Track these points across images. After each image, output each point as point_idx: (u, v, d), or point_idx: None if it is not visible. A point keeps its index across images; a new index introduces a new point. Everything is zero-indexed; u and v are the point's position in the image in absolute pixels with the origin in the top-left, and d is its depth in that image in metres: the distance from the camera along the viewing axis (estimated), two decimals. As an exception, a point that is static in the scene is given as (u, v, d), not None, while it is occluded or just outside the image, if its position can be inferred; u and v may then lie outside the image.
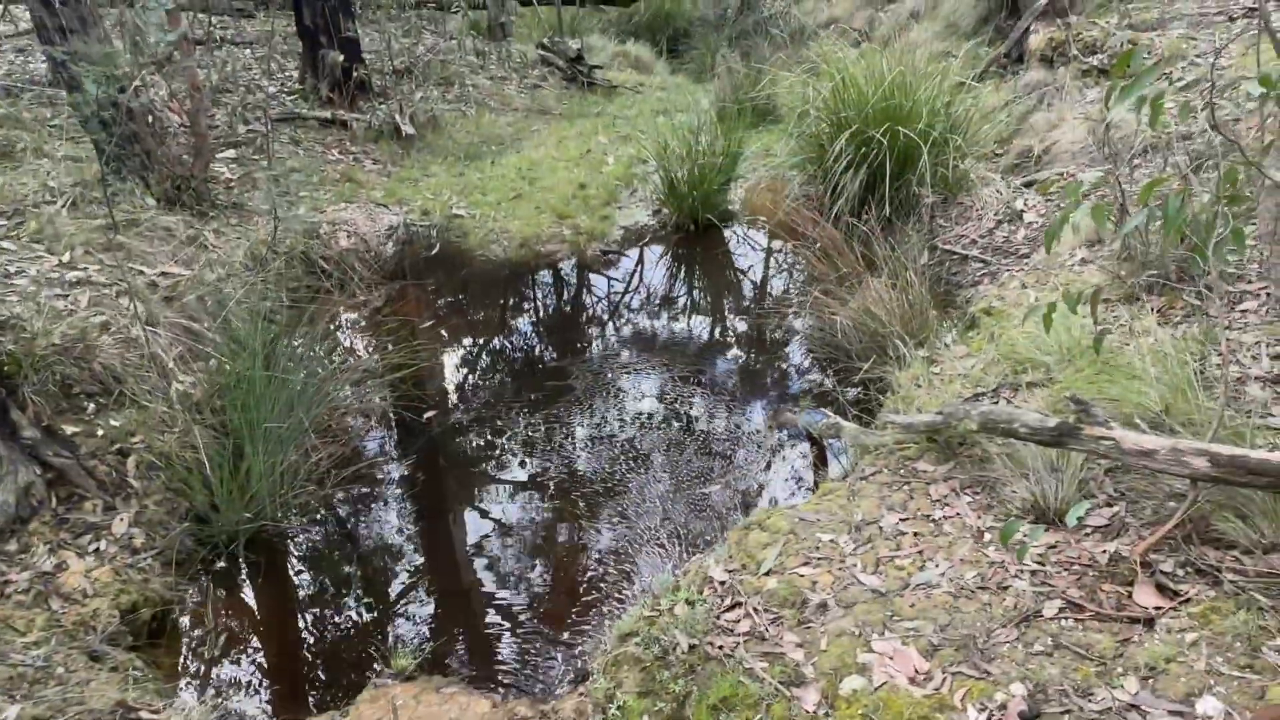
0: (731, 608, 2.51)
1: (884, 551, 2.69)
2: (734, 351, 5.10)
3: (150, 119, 5.43)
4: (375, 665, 2.91)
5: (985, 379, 3.64)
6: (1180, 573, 2.34)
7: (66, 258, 4.64)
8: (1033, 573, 2.49)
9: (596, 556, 3.47)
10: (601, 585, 3.30)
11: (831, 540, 2.78)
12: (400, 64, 9.20)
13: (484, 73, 10.16)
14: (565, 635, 3.07)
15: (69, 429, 3.56)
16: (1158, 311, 3.58)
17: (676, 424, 4.36)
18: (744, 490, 3.84)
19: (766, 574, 2.67)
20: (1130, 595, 2.29)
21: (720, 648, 2.35)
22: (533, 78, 10.43)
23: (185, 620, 3.23)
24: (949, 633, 2.29)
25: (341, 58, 7.88)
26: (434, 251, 6.36)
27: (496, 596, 3.32)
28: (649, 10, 15.03)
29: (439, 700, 2.39)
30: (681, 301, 5.83)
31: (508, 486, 3.97)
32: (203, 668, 3.05)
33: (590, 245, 6.39)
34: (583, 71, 10.49)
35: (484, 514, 3.82)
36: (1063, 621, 2.28)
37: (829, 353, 4.62)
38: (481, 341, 5.37)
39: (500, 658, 2.96)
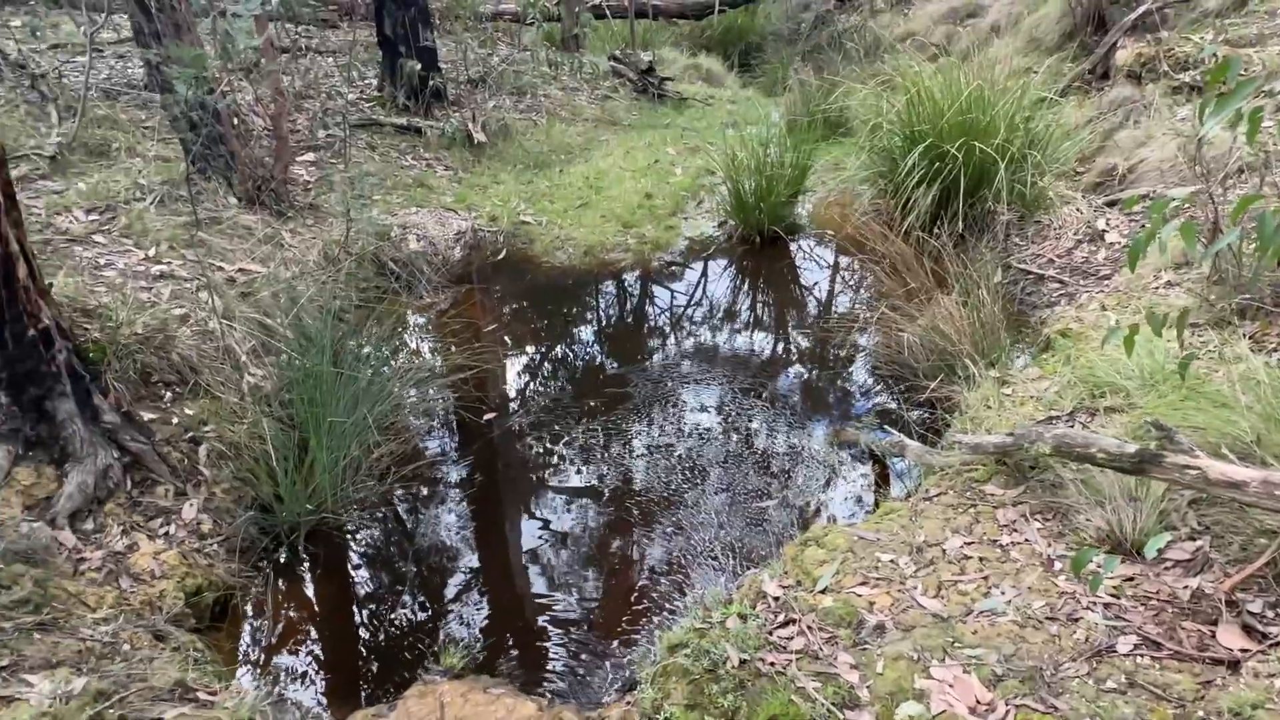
0: (785, 624, 2.44)
1: (946, 575, 2.59)
2: (796, 366, 5.02)
3: (236, 121, 5.64)
4: (425, 662, 2.93)
5: (1060, 402, 3.50)
6: (1270, 614, 2.19)
7: (152, 252, 4.83)
8: (1106, 605, 2.36)
9: (649, 566, 3.44)
10: (653, 595, 3.26)
11: (891, 561, 2.70)
12: (475, 73, 9.38)
13: (556, 83, 10.29)
14: (614, 644, 3.04)
15: (146, 415, 3.69)
16: (1250, 337, 3.39)
17: (735, 437, 4.30)
18: (801, 506, 3.76)
19: (822, 592, 2.60)
20: (1213, 635, 2.16)
21: (772, 664, 2.29)
22: (603, 89, 10.52)
23: (246, 607, 3.30)
24: (1014, 663, 2.19)
25: (419, 66, 8.07)
26: (500, 257, 6.43)
27: (547, 601, 3.31)
28: (721, 24, 15.04)
29: (486, 700, 2.38)
30: (744, 314, 5.77)
31: (564, 492, 3.97)
32: (260, 654, 3.11)
33: (655, 255, 6.38)
34: (653, 83, 10.54)
35: (539, 518, 3.82)
36: (1138, 659, 2.16)
37: (894, 370, 4.51)
38: (543, 347, 5.41)
39: (548, 662, 2.95)
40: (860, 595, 2.54)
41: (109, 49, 9.09)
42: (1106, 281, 4.72)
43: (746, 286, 6.19)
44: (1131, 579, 2.45)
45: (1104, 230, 5.16)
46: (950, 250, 4.70)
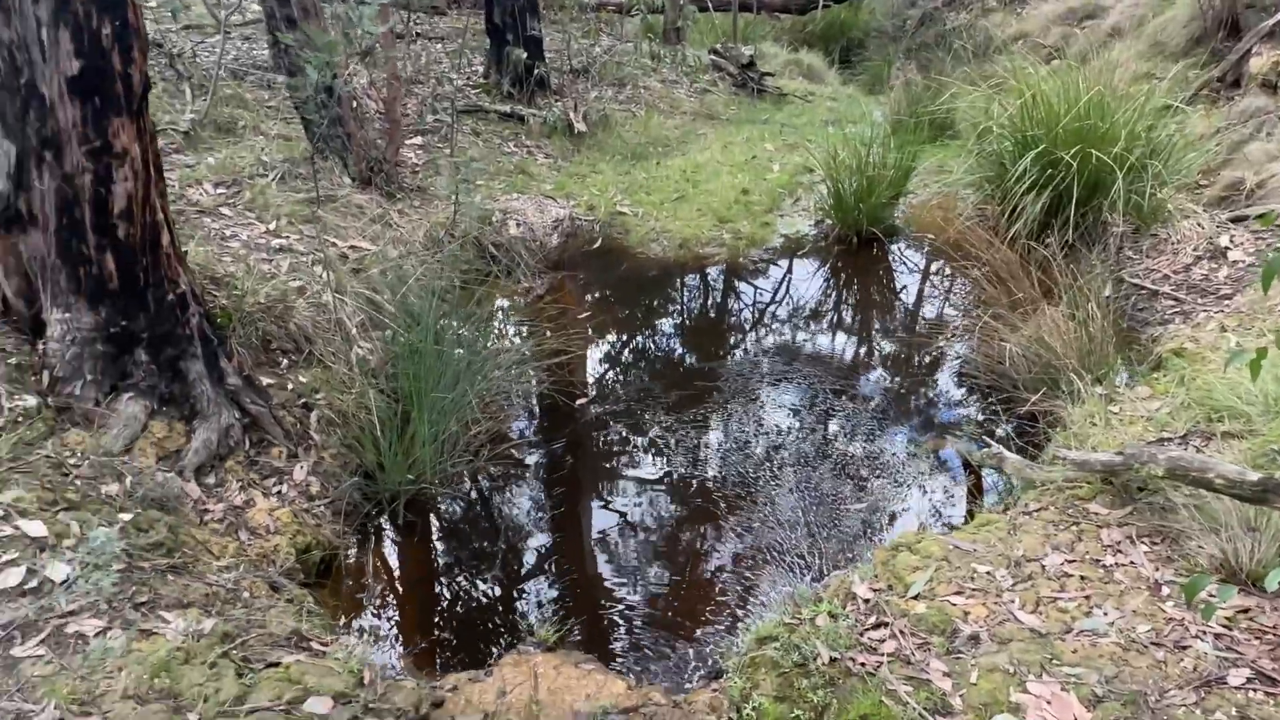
0: (876, 626, 2.44)
1: (1045, 591, 2.55)
2: (888, 369, 4.95)
3: (355, 105, 5.88)
4: (518, 633, 3.04)
5: (1172, 423, 3.37)
6: (1400, 660, 2.08)
7: (273, 226, 5.09)
8: (1217, 636, 2.29)
9: (732, 558, 3.47)
10: (735, 587, 3.29)
11: (988, 572, 2.66)
12: (578, 63, 9.51)
13: (655, 75, 10.34)
14: (697, 632, 3.09)
15: (264, 380, 3.90)
16: (1389, 368, 3.19)
17: (821, 437, 4.29)
18: (889, 511, 3.73)
19: (915, 598, 2.58)
20: (1336, 676, 2.07)
21: (862, 665, 2.29)
22: (703, 82, 10.51)
23: (348, 567, 3.48)
24: (1116, 685, 2.14)
25: (525, 55, 8.24)
26: (596, 245, 6.53)
27: (631, 585, 3.38)
28: (824, 20, 14.83)
29: (577, 675, 2.46)
30: (836, 315, 5.72)
31: (648, 480, 4.03)
32: (360, 612, 3.27)
33: (749, 251, 6.38)
34: (753, 78, 10.48)
35: (624, 505, 3.90)
36: (1251, 693, 2.08)
37: (992, 380, 4.41)
38: (635, 336, 5.48)
39: (632, 644, 3.02)
40: (955, 604, 2.51)
41: (235, 31, 9.57)
42: (1227, 301, 4.50)
43: (840, 287, 6.13)
44: (1246, 611, 2.36)
45: (1227, 247, 4.91)
46: (1059, 260, 4.55)
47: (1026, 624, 2.41)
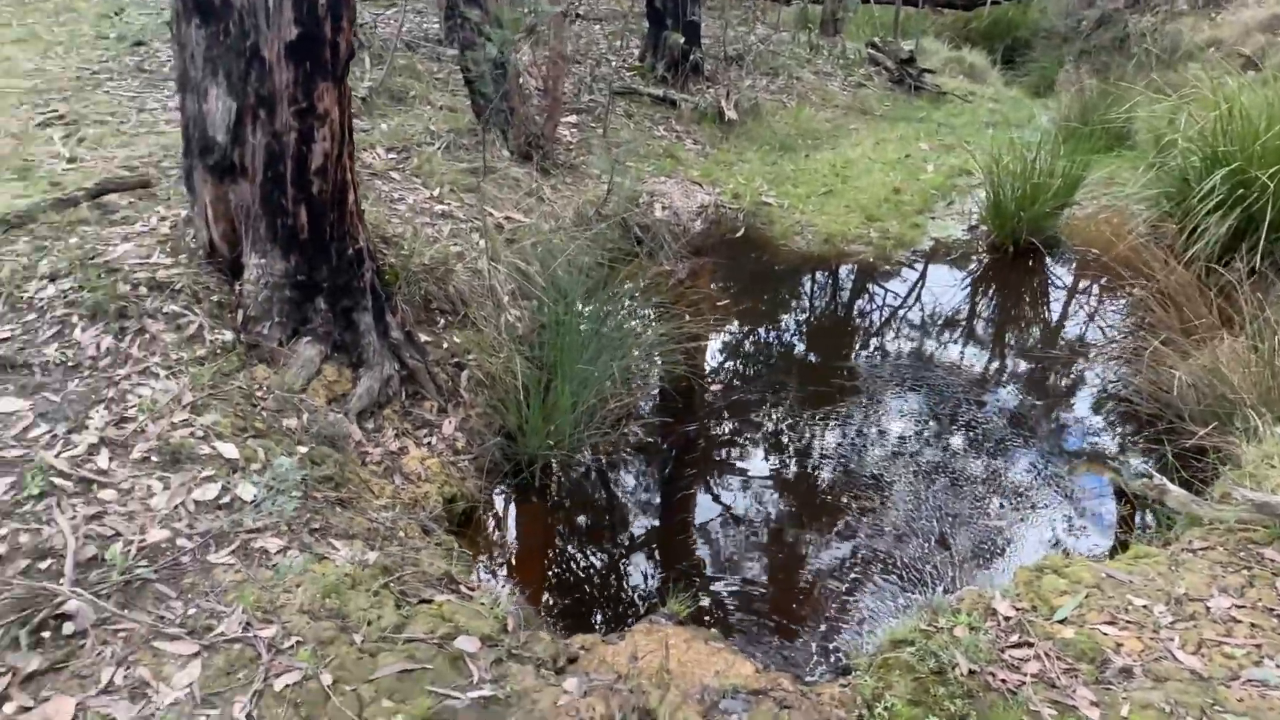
0: (1019, 645, 2.37)
1: (1209, 634, 2.40)
2: (1037, 386, 4.74)
3: (520, 80, 6.09)
4: (646, 603, 3.12)
5: (1367, 474, 3.09)
6: None
7: (436, 192, 5.36)
8: None
9: (858, 558, 3.43)
10: (862, 587, 3.26)
11: (1144, 606, 2.53)
12: (733, 51, 9.48)
13: (810, 66, 10.18)
14: (820, 626, 3.08)
15: (423, 337, 4.13)
16: None
17: (961, 448, 4.16)
18: (1030, 531, 3.59)
19: (1061, 622, 2.49)
20: None
21: (1003, 681, 2.24)
22: (858, 76, 10.28)
23: (488, 520, 3.66)
24: (1286, 743, 2.01)
25: (682, 40, 8.28)
26: (739, 234, 6.53)
27: (757, 572, 3.40)
28: (990, 17, 14.18)
29: (707, 651, 2.51)
30: (985, 324, 5.51)
31: (778, 471, 4.03)
32: (497, 564, 3.44)
33: (896, 251, 6.22)
34: (911, 74, 10.16)
35: (754, 492, 3.91)
36: None
37: (1154, 409, 4.15)
38: (772, 327, 5.46)
39: (758, 629, 3.04)
40: (1106, 634, 2.41)
41: (409, 4, 10.06)
42: None
43: (992, 295, 5.89)
44: None
45: None
46: (1244, 287, 4.22)
47: (1186, 664, 2.29)
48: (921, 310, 5.60)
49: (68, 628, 2.11)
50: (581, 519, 3.80)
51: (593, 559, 3.52)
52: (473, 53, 5.25)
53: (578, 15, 10.10)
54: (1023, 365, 5.01)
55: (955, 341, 5.24)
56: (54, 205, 3.83)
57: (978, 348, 5.19)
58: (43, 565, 2.26)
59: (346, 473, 3.07)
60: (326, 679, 2.08)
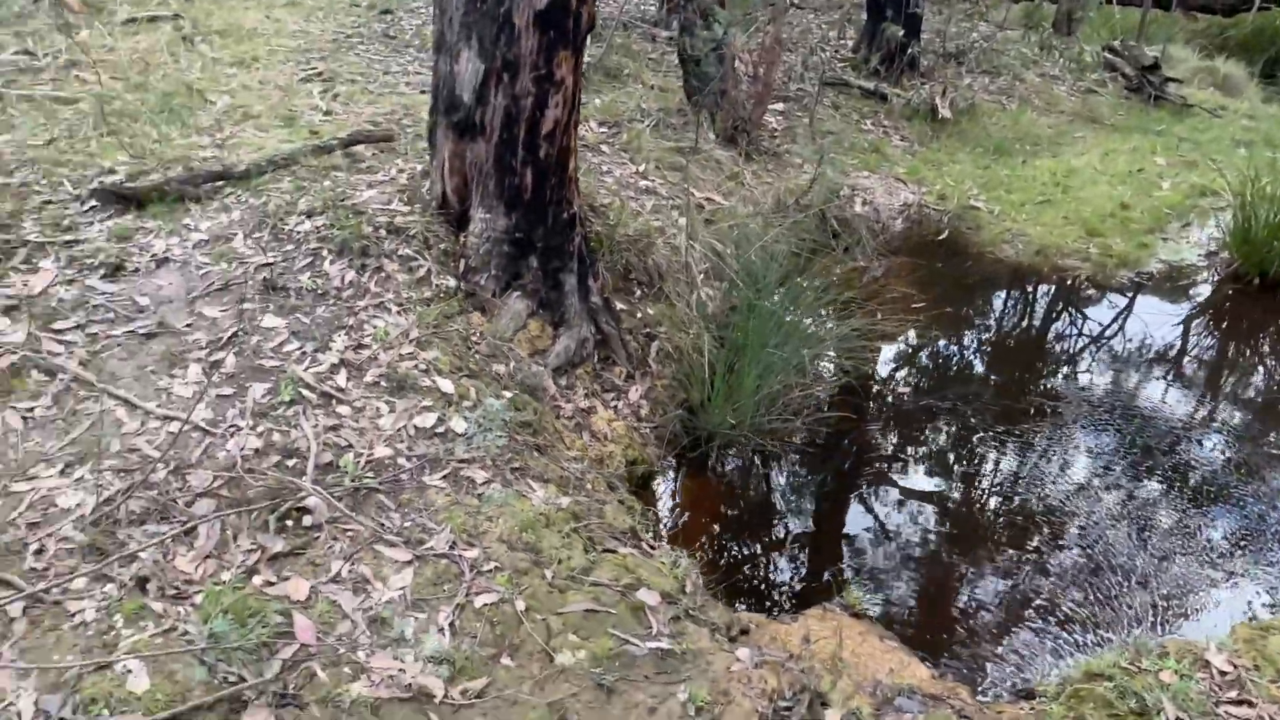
0: (1238, 703, 2.17)
1: None
2: (1272, 435, 4.25)
3: (734, 64, 6.11)
4: (815, 593, 3.10)
5: None
6: None
7: (642, 168, 5.50)
8: None
9: (1048, 585, 3.23)
10: (1050, 615, 3.07)
11: (1396, 689, 2.23)
12: (953, 47, 9.05)
13: (1035, 68, 9.55)
14: (999, 646, 2.94)
15: (619, 306, 4.27)
16: None
17: (1175, 488, 3.81)
18: (1251, 587, 3.25)
19: (1290, 688, 2.24)
20: None
21: (1216, 737, 2.05)
22: (1088, 81, 9.53)
23: (664, 488, 3.74)
24: None
25: (901, 32, 8.00)
26: (942, 237, 6.26)
27: (935, 580, 3.28)
28: (1253, 25, 12.69)
29: (881, 649, 2.47)
30: (1218, 359, 5.00)
31: (968, 483, 3.86)
32: (671, 531, 3.52)
33: (1118, 271, 5.75)
34: (1153, 83, 9.29)
35: (939, 501, 3.77)
36: None
37: None
38: (970, 335, 5.21)
39: (936, 639, 2.94)
40: (1345, 710, 2.15)
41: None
42: None
43: (1228, 329, 5.33)
44: None
45: None
46: None
47: None
48: (1141, 336, 5.15)
49: (306, 520, 2.38)
50: (751, 500, 3.82)
51: (759, 540, 3.53)
52: (692, 35, 5.33)
53: (794, 4, 9.98)
54: (1258, 409, 4.51)
55: (1178, 373, 4.79)
56: (313, 151, 4.26)
57: (1204, 383, 4.72)
58: (290, 463, 2.55)
59: (543, 421, 3.24)
60: (520, 605, 2.22)
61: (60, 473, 2.47)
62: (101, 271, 3.34)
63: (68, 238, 3.54)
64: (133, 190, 3.80)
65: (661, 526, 3.53)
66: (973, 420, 4.26)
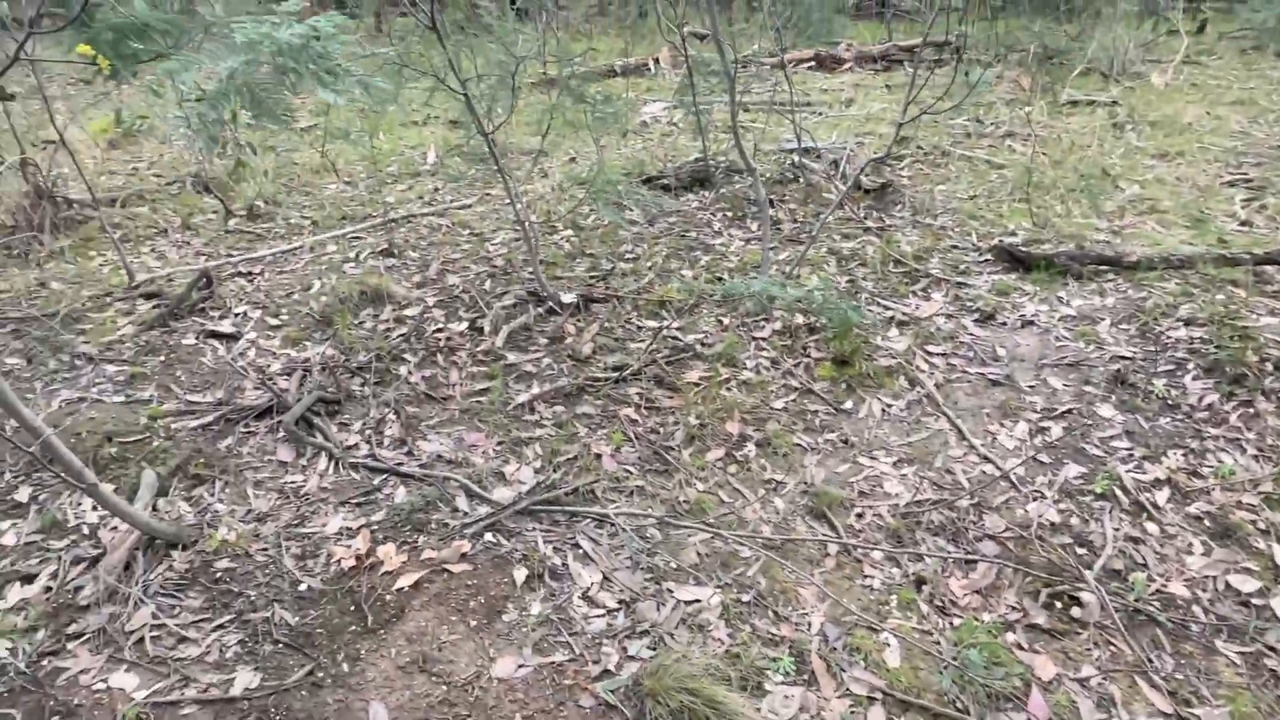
0: None
1: None
2: None
3: None
4: None
5: None
6: None
7: None
8: None
9: None
10: None
11: None
12: None
13: None
14: None
15: None
16: None
17: None
18: None
19: None
20: None
21: None
22: None
23: None
24: None
25: None
26: None
27: None
28: None
29: None
30: None
31: None
32: None
33: None
34: None
35: None
36: None
37: None
38: None
39: None
40: None
41: None
42: None
43: None
44: None
45: None
46: None
47: None
48: None
49: (1075, 611, 2.37)
50: None
51: None
52: None
53: None
54: None
55: None
56: (1215, 260, 4.00)
57: None
58: (1079, 551, 2.56)
59: None
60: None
61: (893, 464, 2.98)
62: (976, 315, 3.81)
63: (960, 279, 4.13)
64: (1025, 254, 4.19)
65: None
66: None
